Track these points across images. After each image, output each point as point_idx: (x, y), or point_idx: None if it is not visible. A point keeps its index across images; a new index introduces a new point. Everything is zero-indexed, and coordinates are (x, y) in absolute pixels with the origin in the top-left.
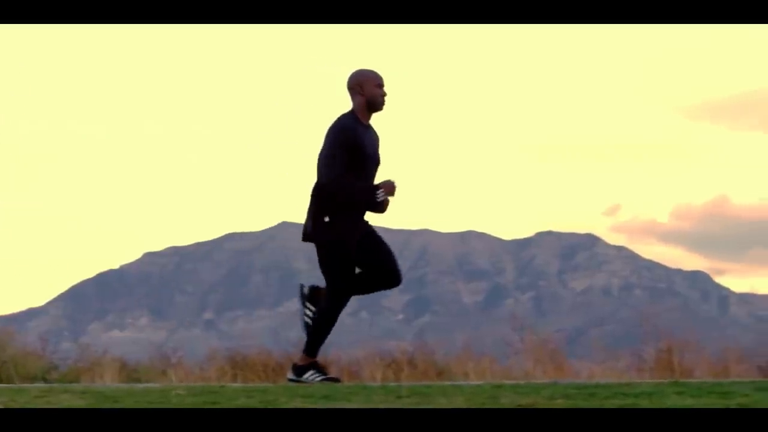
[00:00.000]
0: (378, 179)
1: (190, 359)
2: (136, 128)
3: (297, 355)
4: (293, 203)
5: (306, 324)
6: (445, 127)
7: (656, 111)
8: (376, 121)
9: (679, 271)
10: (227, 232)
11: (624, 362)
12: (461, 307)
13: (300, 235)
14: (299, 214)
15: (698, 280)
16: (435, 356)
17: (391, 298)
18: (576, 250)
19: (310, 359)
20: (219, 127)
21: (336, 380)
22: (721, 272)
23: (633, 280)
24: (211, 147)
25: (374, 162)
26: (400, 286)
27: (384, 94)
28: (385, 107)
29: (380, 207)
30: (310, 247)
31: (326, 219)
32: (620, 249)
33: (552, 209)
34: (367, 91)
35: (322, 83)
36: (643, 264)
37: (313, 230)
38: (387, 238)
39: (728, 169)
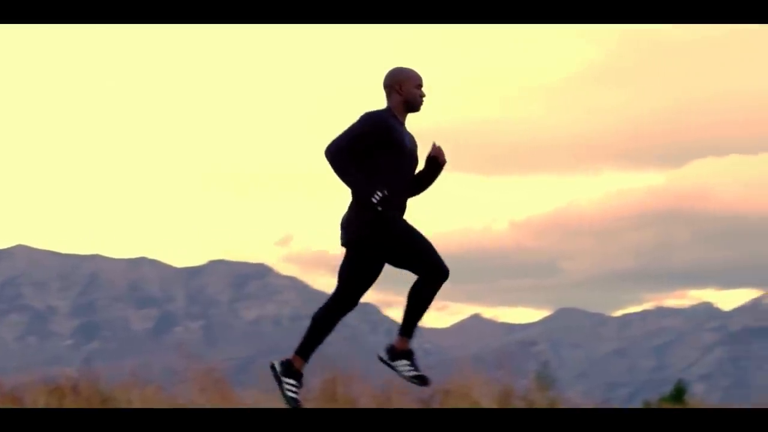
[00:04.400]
0: None
1: None
2: None
3: None
4: None
5: (291, 399)
6: (114, 151)
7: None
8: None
9: None
10: None
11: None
12: (131, 334)
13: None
14: None
15: (367, 311)
16: (99, 383)
17: (60, 323)
18: (248, 280)
19: (301, 360)
20: None
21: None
22: (390, 304)
23: (304, 310)
24: None
25: (413, 161)
26: (71, 311)
27: (423, 95)
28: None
29: (370, 206)
30: None
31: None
32: (292, 279)
33: (224, 238)
34: (406, 90)
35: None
36: (314, 294)
37: (353, 226)
38: (57, 264)
39: None
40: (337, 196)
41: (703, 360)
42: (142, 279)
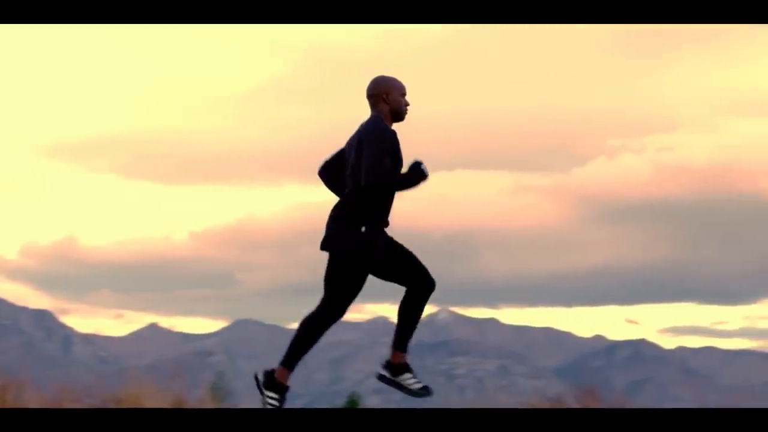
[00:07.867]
0: None
1: None
2: None
3: None
4: None
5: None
6: None
7: (7, 148)
8: None
9: (24, 309)
10: None
11: None
12: None
13: None
14: None
15: (43, 318)
16: None
17: None
18: None
19: (286, 371)
20: None
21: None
22: (66, 312)
23: None
24: None
25: (401, 167)
26: None
27: (408, 104)
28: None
29: (425, 179)
30: None
31: (362, 229)
32: None
33: None
34: (393, 99)
35: None
36: None
37: (342, 239)
38: None
39: (79, 209)
40: (16, 202)
41: None
42: None
